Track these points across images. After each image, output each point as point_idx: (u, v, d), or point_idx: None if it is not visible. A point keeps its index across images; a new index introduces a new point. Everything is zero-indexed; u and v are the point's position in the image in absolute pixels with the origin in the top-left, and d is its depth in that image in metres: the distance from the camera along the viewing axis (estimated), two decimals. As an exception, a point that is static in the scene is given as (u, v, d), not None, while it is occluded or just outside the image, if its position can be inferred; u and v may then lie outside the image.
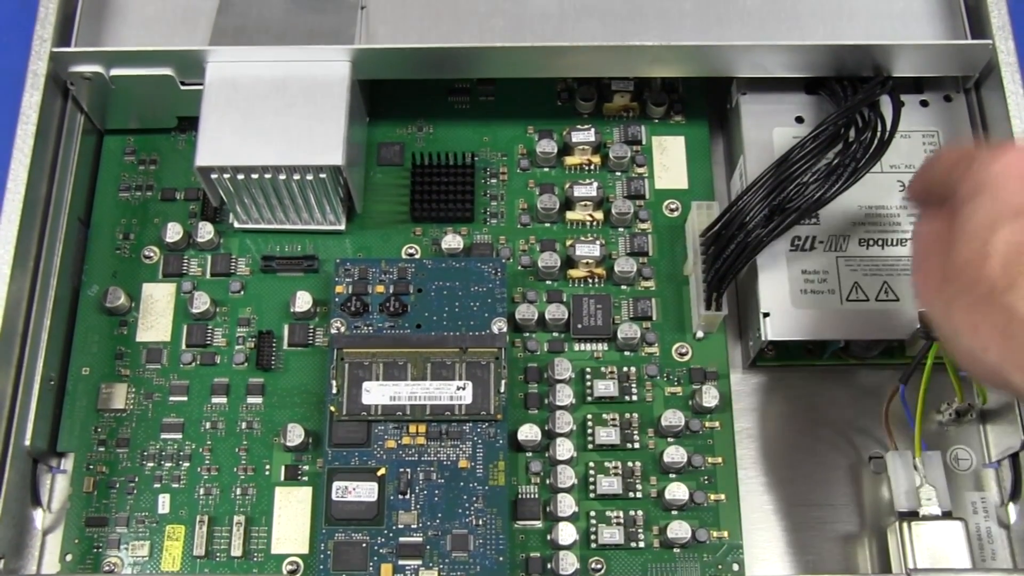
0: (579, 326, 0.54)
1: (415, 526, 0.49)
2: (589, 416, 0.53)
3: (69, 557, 0.51)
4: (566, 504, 0.50)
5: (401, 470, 0.50)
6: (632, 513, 0.51)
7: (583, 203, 0.57)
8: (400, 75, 0.56)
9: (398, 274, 0.54)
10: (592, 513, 0.51)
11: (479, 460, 0.50)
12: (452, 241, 0.56)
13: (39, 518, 0.52)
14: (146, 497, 0.52)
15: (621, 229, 0.58)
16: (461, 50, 0.54)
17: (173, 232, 0.56)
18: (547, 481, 0.51)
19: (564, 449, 0.51)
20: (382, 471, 0.50)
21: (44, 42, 0.54)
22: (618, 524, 0.51)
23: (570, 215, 0.57)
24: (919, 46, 0.54)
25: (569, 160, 0.59)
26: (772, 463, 0.53)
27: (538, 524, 0.51)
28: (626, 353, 0.54)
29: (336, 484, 0.50)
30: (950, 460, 0.53)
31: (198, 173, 0.52)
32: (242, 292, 0.56)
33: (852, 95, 0.54)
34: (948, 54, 0.54)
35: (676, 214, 0.58)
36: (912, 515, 0.49)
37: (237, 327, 0.55)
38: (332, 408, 0.51)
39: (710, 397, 0.52)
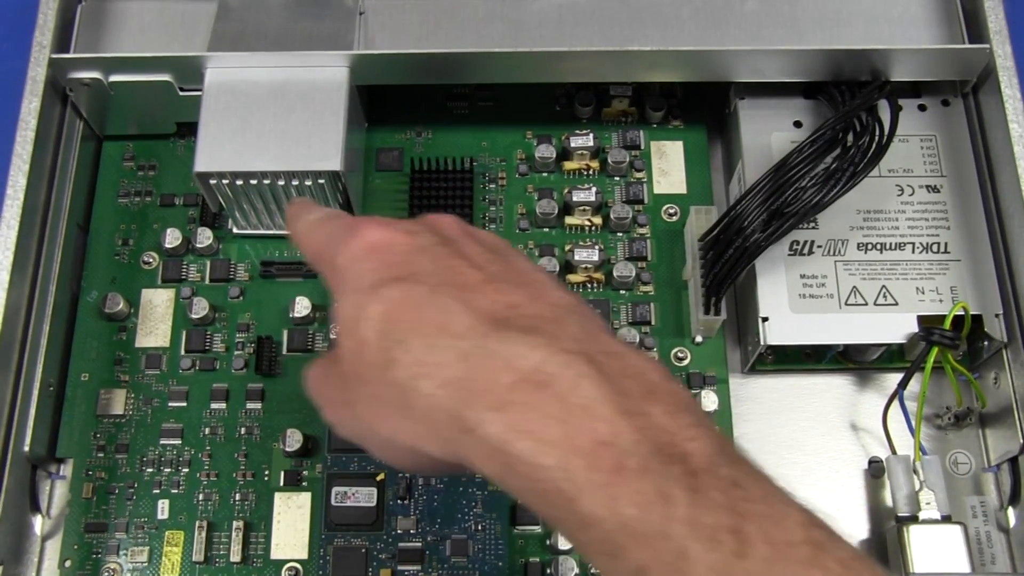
0: (578, 331, 0.54)
1: (414, 531, 0.49)
2: (588, 421, 0.53)
3: (68, 563, 0.51)
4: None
5: (400, 475, 0.50)
6: (631, 518, 0.51)
7: (582, 208, 0.57)
8: (399, 80, 0.56)
9: (397, 279, 0.54)
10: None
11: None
12: (451, 246, 0.56)
13: (38, 524, 0.52)
14: (145, 503, 0.52)
15: (620, 234, 0.58)
16: (460, 56, 0.54)
17: (172, 238, 0.56)
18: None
19: (563, 454, 0.51)
20: (381, 476, 0.50)
21: (43, 48, 0.54)
22: (617, 529, 0.51)
23: (569, 220, 0.58)
24: (917, 51, 0.54)
25: (568, 165, 0.59)
26: (771, 467, 0.53)
27: (537, 529, 0.51)
28: (625, 358, 0.54)
29: (335, 489, 0.50)
30: (949, 464, 0.53)
31: (197, 179, 0.52)
32: (241, 297, 0.56)
33: (850, 100, 0.54)
34: (946, 58, 0.54)
35: (675, 219, 0.58)
36: (911, 519, 0.49)
37: (236, 332, 0.55)
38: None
39: (709, 402, 0.52)
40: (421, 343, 0.31)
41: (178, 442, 0.53)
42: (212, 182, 0.52)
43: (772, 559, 0.27)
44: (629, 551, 0.28)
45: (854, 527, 0.52)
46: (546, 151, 0.58)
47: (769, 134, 0.56)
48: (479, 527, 0.49)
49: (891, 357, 0.54)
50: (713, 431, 0.30)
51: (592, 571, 0.50)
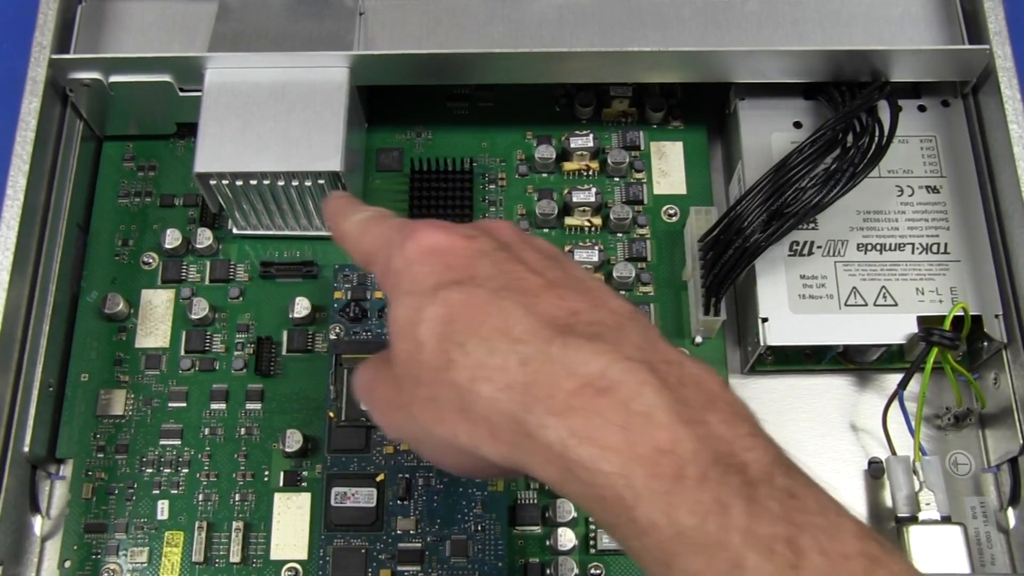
0: (578, 331, 0.54)
1: (414, 532, 0.49)
2: (588, 421, 0.53)
3: (68, 563, 0.51)
4: (565, 509, 0.50)
5: (400, 476, 0.50)
6: (631, 518, 0.51)
7: (581, 208, 0.57)
8: (399, 81, 0.56)
9: (397, 280, 0.54)
10: (591, 518, 0.51)
11: (478, 466, 0.50)
12: (451, 247, 0.56)
13: (38, 524, 0.51)
14: (145, 503, 0.52)
15: (620, 234, 0.58)
16: (460, 56, 0.54)
17: (172, 238, 0.56)
18: (546, 486, 0.51)
19: (563, 454, 0.51)
20: (381, 477, 0.50)
21: (43, 49, 0.54)
22: (617, 529, 0.51)
23: (568, 220, 0.58)
24: (917, 51, 0.54)
25: (567, 166, 0.59)
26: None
27: (537, 529, 0.51)
28: (625, 358, 0.54)
29: (335, 490, 0.50)
30: (949, 465, 0.53)
31: (197, 179, 0.52)
32: (241, 298, 0.56)
33: (850, 100, 0.54)
34: (945, 59, 0.54)
35: (675, 219, 0.58)
36: (911, 520, 0.49)
37: (236, 333, 0.55)
38: (331, 414, 0.51)
39: (709, 402, 0.52)
40: (481, 346, 0.31)
41: (178, 442, 0.53)
42: (212, 182, 0.52)
43: (826, 571, 0.27)
44: (684, 559, 0.28)
45: (854, 528, 0.52)
46: (546, 152, 0.58)
47: (769, 135, 0.56)
48: (479, 528, 0.49)
49: (891, 358, 0.54)
50: (770, 441, 0.31)
51: (591, 573, 0.50)
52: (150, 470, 0.52)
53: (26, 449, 0.50)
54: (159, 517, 0.51)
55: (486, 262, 0.34)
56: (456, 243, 0.34)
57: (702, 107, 0.61)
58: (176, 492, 0.52)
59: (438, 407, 0.33)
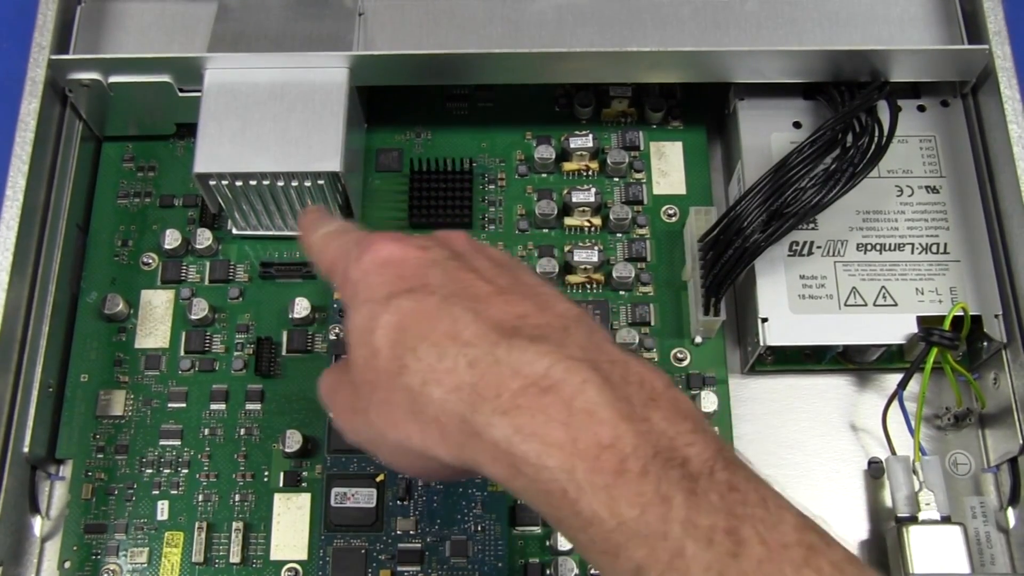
0: (578, 332, 0.54)
1: (414, 532, 0.49)
2: (588, 422, 0.53)
3: (68, 564, 0.51)
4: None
5: (400, 476, 0.50)
6: (631, 519, 0.51)
7: (581, 209, 0.57)
8: (398, 81, 0.56)
9: (397, 280, 0.54)
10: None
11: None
12: (450, 247, 0.56)
13: (38, 525, 0.51)
14: (145, 504, 0.52)
15: (619, 235, 0.58)
16: (459, 56, 0.54)
17: (171, 239, 0.56)
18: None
19: (563, 455, 0.51)
20: (381, 477, 0.50)
21: (42, 49, 0.54)
22: (617, 530, 0.51)
23: (568, 221, 0.58)
24: (916, 51, 0.54)
25: (567, 166, 0.59)
26: (771, 468, 0.53)
27: (537, 530, 0.51)
28: (625, 358, 0.54)
29: (335, 490, 0.50)
30: (949, 465, 0.53)
31: (196, 180, 0.52)
32: (241, 298, 0.56)
33: (849, 100, 0.54)
34: (945, 59, 0.55)
35: (674, 219, 0.58)
36: (911, 520, 0.49)
37: (236, 333, 0.55)
38: (331, 414, 0.51)
39: (708, 402, 0.52)
40: (432, 350, 0.33)
41: (178, 443, 0.53)
42: (211, 183, 0.52)
43: (766, 559, 0.28)
44: (628, 550, 0.29)
45: (854, 528, 0.52)
46: (545, 152, 0.58)
47: (768, 135, 0.56)
48: (479, 528, 0.49)
49: (891, 358, 0.54)
50: (712, 437, 0.31)
51: (592, 572, 0.50)
52: (150, 470, 0.52)
53: (26, 449, 0.50)
54: (159, 517, 0.51)
55: (438, 271, 0.35)
56: (409, 254, 0.36)
57: (701, 107, 0.61)
58: (176, 492, 0.52)
59: (392, 411, 0.34)
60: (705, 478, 0.30)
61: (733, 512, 0.29)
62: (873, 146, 0.52)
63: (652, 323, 0.55)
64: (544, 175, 0.59)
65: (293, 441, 0.52)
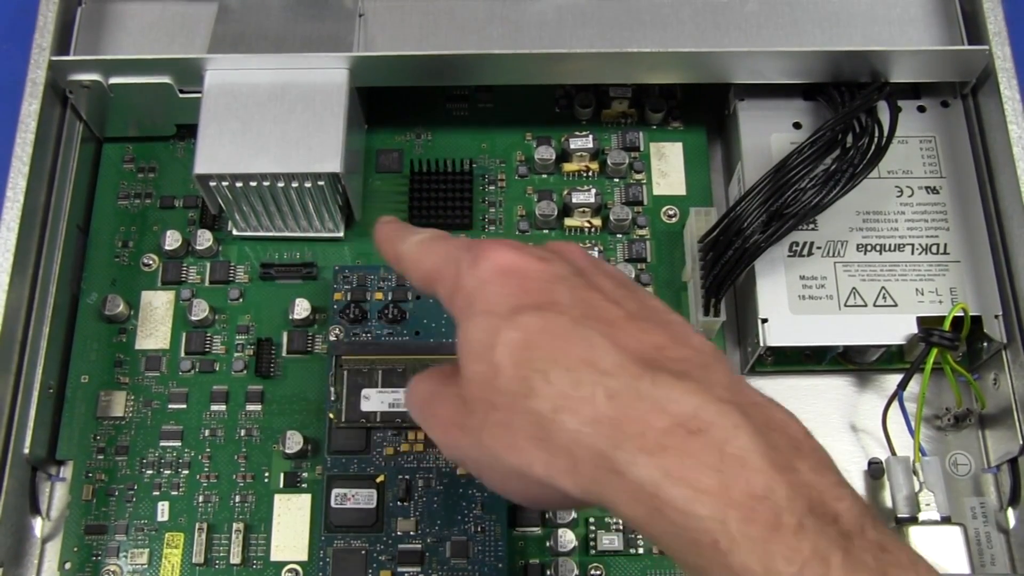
0: (578, 332, 0.54)
1: (414, 533, 0.49)
2: (588, 422, 0.53)
3: (68, 565, 0.51)
4: (565, 510, 0.50)
5: (400, 477, 0.50)
6: (631, 519, 0.51)
7: (581, 210, 0.57)
8: (398, 82, 0.56)
9: (397, 281, 0.54)
10: (591, 519, 0.51)
11: (478, 467, 0.50)
12: (451, 248, 0.56)
13: (38, 526, 0.51)
14: (145, 505, 0.52)
15: (619, 235, 0.58)
16: (459, 57, 0.54)
17: (172, 240, 0.56)
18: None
19: (563, 455, 0.51)
20: (381, 478, 0.50)
21: (43, 50, 0.54)
22: (617, 530, 0.51)
23: (568, 222, 0.58)
24: (916, 52, 0.54)
25: (567, 167, 0.59)
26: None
27: (537, 531, 0.51)
28: (625, 359, 0.54)
29: (335, 491, 0.50)
30: (949, 465, 0.53)
31: (197, 181, 0.52)
32: (241, 299, 0.56)
33: (849, 101, 0.54)
34: (945, 60, 0.55)
35: (674, 220, 0.58)
36: (911, 520, 0.49)
37: (236, 334, 0.55)
38: (331, 415, 0.51)
39: (709, 403, 0.52)
40: (566, 376, 0.31)
41: (178, 444, 0.53)
42: (212, 184, 0.53)
43: None
44: None
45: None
46: (546, 153, 0.58)
47: (768, 135, 0.56)
48: (479, 529, 0.49)
49: (891, 358, 0.54)
50: (855, 492, 0.30)
51: (591, 574, 0.50)
52: (150, 471, 0.52)
53: (26, 451, 0.50)
54: (159, 518, 0.51)
55: (564, 288, 0.33)
56: (531, 265, 0.34)
57: (701, 108, 0.61)
58: (176, 493, 0.52)
59: (512, 434, 0.32)
60: (858, 536, 0.28)
61: (887, 574, 0.28)
62: (873, 147, 0.52)
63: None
64: (544, 176, 0.59)
65: (293, 442, 0.52)
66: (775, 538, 0.27)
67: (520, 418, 0.31)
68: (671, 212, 0.58)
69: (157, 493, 0.52)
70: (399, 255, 0.38)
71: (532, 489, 0.33)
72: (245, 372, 0.54)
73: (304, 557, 0.50)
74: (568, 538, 0.50)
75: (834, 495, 0.29)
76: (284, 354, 0.55)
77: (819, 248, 0.53)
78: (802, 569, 0.27)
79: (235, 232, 0.57)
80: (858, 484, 0.53)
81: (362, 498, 0.50)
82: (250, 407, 0.54)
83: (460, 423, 0.34)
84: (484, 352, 0.32)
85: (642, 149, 0.60)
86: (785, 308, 0.52)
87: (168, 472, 0.52)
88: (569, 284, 0.33)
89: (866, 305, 0.52)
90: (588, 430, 0.30)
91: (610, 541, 0.50)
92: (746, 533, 0.28)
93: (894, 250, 0.53)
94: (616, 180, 0.59)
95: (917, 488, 0.49)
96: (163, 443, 0.53)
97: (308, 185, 0.52)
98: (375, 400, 0.50)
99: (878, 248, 0.53)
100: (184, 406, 0.54)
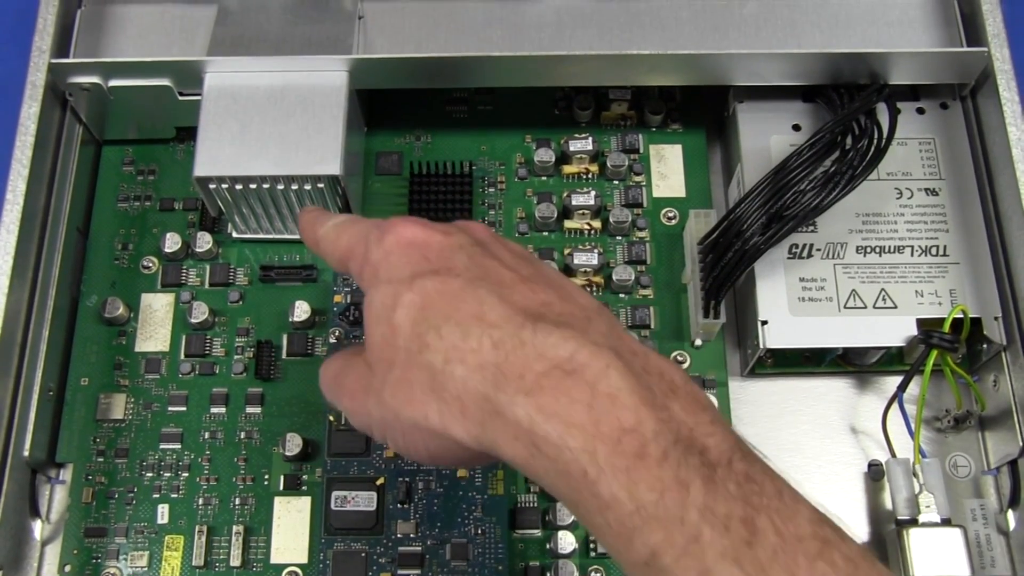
0: (577, 334, 0.54)
1: (414, 535, 0.49)
2: (588, 424, 0.53)
3: (68, 568, 0.51)
4: (565, 512, 0.50)
5: (400, 479, 0.50)
6: (631, 521, 0.51)
7: (581, 212, 0.57)
8: (398, 84, 0.56)
9: (396, 283, 0.54)
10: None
11: (478, 469, 0.50)
12: (450, 250, 0.56)
13: (38, 529, 0.51)
14: (145, 507, 0.52)
15: (619, 237, 0.58)
16: (459, 60, 0.54)
17: (172, 242, 0.56)
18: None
19: (563, 457, 0.51)
20: (381, 480, 0.50)
21: (43, 53, 0.54)
22: (617, 532, 0.51)
23: (568, 224, 0.58)
24: (915, 54, 0.54)
25: (567, 169, 0.59)
26: (771, 471, 0.53)
27: (537, 533, 0.51)
28: (625, 361, 0.54)
29: (335, 494, 0.50)
30: (949, 467, 0.53)
31: (196, 183, 0.52)
32: (241, 302, 0.56)
33: (849, 103, 0.54)
34: (944, 62, 0.55)
35: (674, 222, 0.58)
36: (911, 522, 0.49)
37: (236, 337, 0.55)
38: (331, 418, 0.51)
39: (709, 405, 0.52)
40: (456, 330, 0.33)
41: (178, 446, 0.53)
42: (211, 186, 0.53)
43: (780, 550, 0.29)
44: (644, 534, 0.29)
45: (854, 530, 0.52)
46: (545, 155, 0.58)
47: (768, 137, 0.56)
48: (479, 531, 0.49)
49: (890, 360, 0.54)
50: (729, 429, 0.32)
51: (592, 574, 0.50)
52: (150, 474, 0.52)
53: (26, 453, 0.50)
54: (159, 521, 0.51)
55: (462, 255, 0.36)
56: (433, 237, 0.36)
57: (701, 110, 0.61)
58: (176, 496, 0.52)
59: (410, 388, 0.34)
60: (723, 467, 0.30)
61: (749, 502, 0.29)
62: (872, 148, 0.52)
63: (652, 326, 0.55)
64: (544, 178, 0.59)
65: (293, 444, 0.52)
66: (639, 467, 0.29)
67: (416, 372, 0.34)
68: (671, 214, 0.58)
69: (157, 495, 0.52)
70: (318, 238, 0.41)
71: (432, 443, 0.35)
72: (245, 374, 0.54)
73: (304, 560, 0.50)
74: (568, 540, 0.50)
75: (705, 431, 0.31)
76: (284, 356, 0.55)
77: (819, 250, 0.53)
78: (663, 495, 0.29)
79: (235, 234, 0.57)
80: (858, 486, 0.53)
81: (362, 500, 0.50)
82: (250, 409, 0.54)
83: (365, 385, 0.36)
84: (386, 314, 0.35)
85: (641, 151, 0.60)
86: (785, 310, 0.52)
87: (168, 474, 0.52)
88: (468, 252, 0.36)
89: (866, 307, 0.52)
90: (475, 376, 0.32)
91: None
92: (612, 463, 0.30)
93: (894, 252, 0.53)
94: (616, 182, 0.59)
95: (917, 490, 0.49)
96: (163, 445, 0.53)
97: (308, 187, 0.52)
98: (375, 402, 0.50)
99: (878, 250, 0.53)
100: (184, 408, 0.54)
